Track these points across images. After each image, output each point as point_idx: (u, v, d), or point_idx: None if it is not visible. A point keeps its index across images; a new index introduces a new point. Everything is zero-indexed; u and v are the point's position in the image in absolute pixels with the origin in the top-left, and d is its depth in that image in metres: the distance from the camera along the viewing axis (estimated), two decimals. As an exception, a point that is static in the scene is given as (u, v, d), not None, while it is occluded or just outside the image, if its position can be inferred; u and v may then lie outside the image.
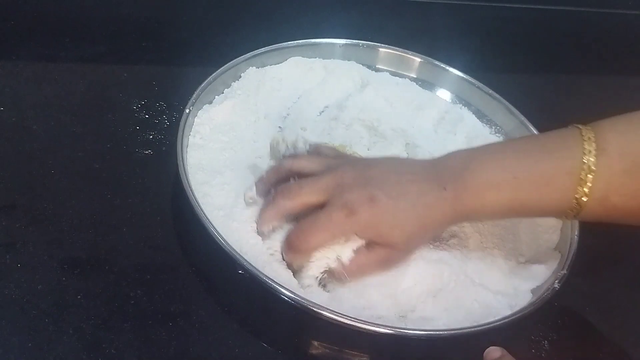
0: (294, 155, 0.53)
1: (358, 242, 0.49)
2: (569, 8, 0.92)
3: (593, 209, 0.46)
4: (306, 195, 0.49)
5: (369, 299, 0.49)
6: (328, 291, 0.50)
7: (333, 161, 0.52)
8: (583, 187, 0.45)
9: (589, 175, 0.45)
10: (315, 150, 0.54)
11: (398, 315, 0.50)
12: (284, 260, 0.50)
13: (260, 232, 0.51)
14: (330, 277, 0.50)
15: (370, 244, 0.49)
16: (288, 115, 0.66)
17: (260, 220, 0.51)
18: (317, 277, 0.49)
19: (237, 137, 0.61)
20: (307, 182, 0.50)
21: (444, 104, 0.71)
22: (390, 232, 0.48)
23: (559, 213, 0.48)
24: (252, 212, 0.53)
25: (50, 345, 0.46)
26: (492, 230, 0.58)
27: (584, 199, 0.46)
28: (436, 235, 0.52)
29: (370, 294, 0.49)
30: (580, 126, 0.48)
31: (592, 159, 0.45)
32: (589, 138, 0.46)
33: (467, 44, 0.82)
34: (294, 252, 0.49)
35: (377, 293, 0.50)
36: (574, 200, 0.46)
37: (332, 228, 0.48)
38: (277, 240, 0.51)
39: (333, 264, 0.49)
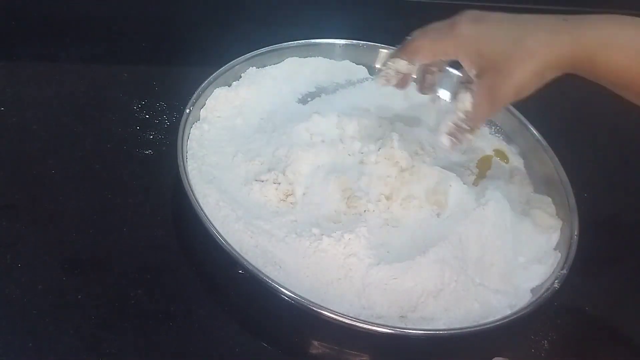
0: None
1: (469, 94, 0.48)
2: (569, 8, 0.92)
3: None
4: (430, 38, 0.50)
5: (369, 299, 0.49)
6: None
7: (455, 16, 0.50)
8: None
9: None
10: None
11: (398, 315, 0.50)
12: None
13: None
14: (458, 132, 0.50)
15: (478, 79, 0.48)
16: (288, 115, 0.66)
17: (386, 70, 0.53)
18: (447, 132, 0.50)
19: (237, 137, 0.61)
20: (429, 31, 0.51)
21: (444, 103, 0.71)
22: (490, 46, 0.47)
23: None
24: (253, 211, 0.54)
25: (50, 345, 0.46)
26: (492, 230, 0.58)
27: None
28: (544, 77, 0.47)
29: (370, 294, 0.50)
30: None
31: None
32: None
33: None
34: (405, 52, 0.51)
35: (377, 293, 0.50)
36: None
37: (436, 36, 0.49)
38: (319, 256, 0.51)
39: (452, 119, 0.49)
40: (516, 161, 0.66)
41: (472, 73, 0.48)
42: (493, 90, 0.47)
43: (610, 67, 0.45)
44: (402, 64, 0.52)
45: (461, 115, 0.49)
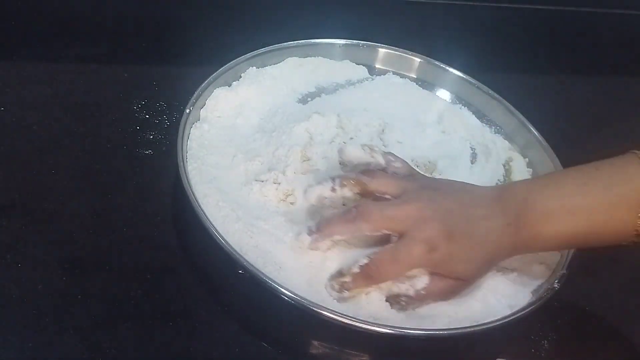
0: (370, 172, 0.52)
1: (425, 273, 0.48)
2: (569, 8, 0.92)
3: None
4: (387, 221, 0.48)
5: (369, 299, 0.49)
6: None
7: (409, 185, 0.51)
8: None
9: None
10: (388, 163, 0.54)
11: (399, 314, 0.50)
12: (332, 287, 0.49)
13: (315, 242, 0.50)
14: (393, 302, 0.49)
15: (437, 275, 0.49)
16: (288, 115, 0.65)
17: (326, 229, 0.50)
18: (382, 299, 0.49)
19: (237, 137, 0.61)
20: (389, 209, 0.49)
21: (444, 104, 0.71)
22: (462, 267, 0.49)
23: (618, 242, 0.49)
24: (253, 211, 0.53)
25: (50, 345, 0.46)
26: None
27: None
28: (496, 265, 0.52)
29: (370, 294, 0.49)
30: (638, 152, 0.48)
31: None
32: None
33: (467, 44, 0.82)
34: (368, 281, 0.48)
35: (377, 293, 0.50)
36: (634, 232, 0.47)
37: (411, 261, 0.48)
38: (320, 256, 0.51)
39: (399, 290, 0.49)
40: (517, 160, 0.66)
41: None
42: (454, 292, 0.50)
43: (549, 243, 0.50)
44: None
45: (410, 290, 0.48)
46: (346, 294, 0.48)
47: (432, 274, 0.48)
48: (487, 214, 0.49)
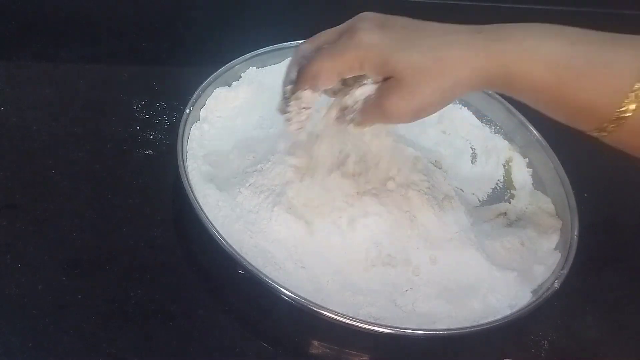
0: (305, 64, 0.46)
1: (371, 87, 0.44)
2: (569, 8, 0.92)
3: (631, 129, 0.40)
4: (328, 57, 0.44)
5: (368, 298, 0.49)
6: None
7: (350, 20, 0.46)
8: (631, 101, 0.39)
9: None
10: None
11: (399, 314, 0.50)
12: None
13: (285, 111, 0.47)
14: (341, 117, 0.46)
15: (382, 85, 0.43)
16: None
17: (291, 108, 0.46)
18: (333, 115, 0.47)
19: (237, 137, 0.61)
20: (326, 48, 0.45)
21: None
22: (395, 56, 0.41)
23: (598, 120, 0.41)
24: (252, 211, 0.54)
25: (50, 345, 0.46)
26: (492, 230, 0.58)
27: (628, 114, 0.39)
28: (454, 94, 0.43)
29: (370, 294, 0.50)
30: None
31: None
32: None
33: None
34: (304, 81, 0.44)
35: (377, 295, 0.50)
36: (625, 100, 0.39)
37: (336, 51, 0.43)
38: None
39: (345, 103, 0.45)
40: (517, 160, 0.66)
41: (378, 79, 0.44)
42: (391, 100, 0.43)
43: (529, 82, 0.41)
44: (306, 96, 0.45)
45: (350, 102, 0.45)
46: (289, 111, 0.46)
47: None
48: (448, 27, 0.43)
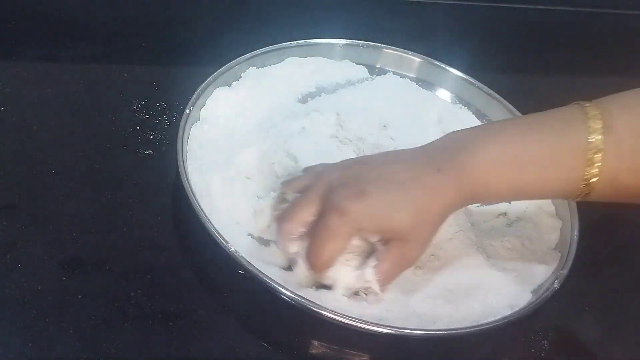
0: (288, 179, 0.52)
1: (366, 258, 0.48)
2: (569, 8, 0.92)
3: (602, 190, 0.44)
4: (301, 211, 0.48)
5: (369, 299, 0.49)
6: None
7: (320, 167, 0.51)
8: (591, 168, 0.43)
9: (596, 155, 0.43)
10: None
11: (399, 314, 0.50)
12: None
13: (287, 256, 0.50)
14: (363, 295, 0.49)
15: (385, 246, 0.47)
16: (287, 114, 0.66)
17: (281, 250, 0.50)
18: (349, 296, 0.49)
19: (237, 137, 0.61)
20: (298, 199, 0.49)
21: (444, 104, 0.71)
22: (390, 222, 0.45)
23: (567, 195, 0.46)
24: (251, 212, 0.54)
25: (50, 345, 0.46)
26: (492, 230, 0.58)
27: (594, 179, 0.44)
28: (441, 222, 0.48)
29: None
30: (583, 103, 0.45)
31: (599, 137, 0.43)
32: (594, 115, 0.44)
33: (467, 44, 0.82)
34: (315, 269, 0.48)
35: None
36: (583, 182, 0.44)
37: (333, 234, 0.46)
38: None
39: (359, 284, 0.48)
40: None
41: (376, 243, 0.47)
42: (404, 256, 0.47)
43: (498, 198, 0.50)
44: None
45: (366, 284, 0.48)
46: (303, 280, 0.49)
47: (382, 248, 0.47)
48: (407, 166, 0.47)
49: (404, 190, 0.46)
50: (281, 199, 0.52)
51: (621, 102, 0.45)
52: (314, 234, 0.47)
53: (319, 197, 0.47)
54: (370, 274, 0.47)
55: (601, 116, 0.44)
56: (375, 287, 0.47)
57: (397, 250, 0.46)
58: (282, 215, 0.49)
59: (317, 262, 0.47)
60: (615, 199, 0.46)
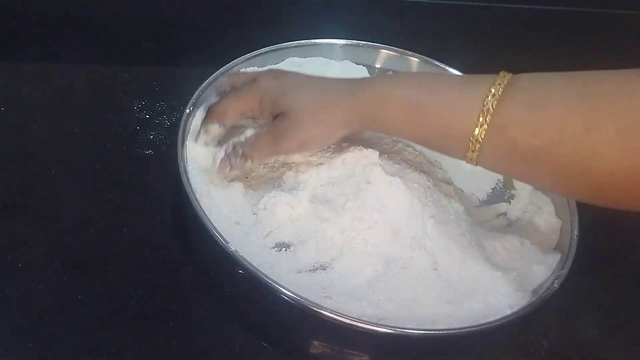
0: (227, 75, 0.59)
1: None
2: (568, 8, 0.92)
3: (493, 143, 0.44)
4: (233, 98, 0.55)
5: (369, 299, 0.49)
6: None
7: (258, 71, 0.58)
8: (485, 116, 0.44)
9: (492, 102, 0.44)
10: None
11: (399, 314, 0.50)
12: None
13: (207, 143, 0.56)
14: (233, 156, 0.53)
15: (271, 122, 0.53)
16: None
17: (202, 137, 0.55)
18: (226, 150, 0.53)
19: (237, 136, 0.61)
20: (232, 91, 0.55)
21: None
22: (284, 97, 0.51)
23: (460, 144, 0.46)
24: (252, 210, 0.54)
25: (50, 345, 0.46)
26: (492, 230, 0.58)
27: (484, 127, 0.44)
28: (333, 135, 0.52)
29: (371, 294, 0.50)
30: (505, 73, 0.46)
31: (499, 90, 0.44)
32: (504, 76, 0.45)
33: (467, 44, 0.82)
34: (209, 117, 0.54)
35: (378, 294, 0.50)
36: (475, 129, 0.44)
37: (237, 93, 0.54)
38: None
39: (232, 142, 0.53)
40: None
41: (268, 118, 0.54)
42: (279, 132, 0.51)
43: (389, 122, 0.49)
44: (215, 128, 0.55)
45: (242, 139, 0.53)
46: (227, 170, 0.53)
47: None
48: (327, 81, 0.54)
49: (312, 88, 0.53)
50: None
51: (534, 73, 0.45)
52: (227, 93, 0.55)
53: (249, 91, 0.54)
54: (244, 137, 0.53)
55: (510, 78, 0.45)
56: (245, 149, 0.52)
57: (279, 125, 0.51)
58: (211, 109, 0.55)
59: (213, 111, 0.54)
60: (508, 166, 0.46)
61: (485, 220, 0.60)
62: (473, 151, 0.45)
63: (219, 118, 0.54)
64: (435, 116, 0.47)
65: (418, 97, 0.48)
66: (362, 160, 0.54)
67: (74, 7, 0.75)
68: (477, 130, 0.44)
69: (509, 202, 0.62)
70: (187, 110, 0.58)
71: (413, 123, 0.48)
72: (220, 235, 0.48)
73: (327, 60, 0.71)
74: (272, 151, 0.53)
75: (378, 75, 0.52)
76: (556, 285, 0.51)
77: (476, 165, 0.47)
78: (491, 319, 0.48)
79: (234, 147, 0.53)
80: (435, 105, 0.47)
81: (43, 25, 0.73)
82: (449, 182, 0.60)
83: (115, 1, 0.78)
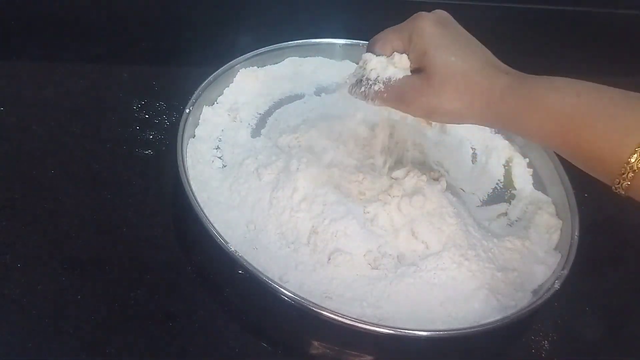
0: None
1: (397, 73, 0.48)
2: (568, 8, 0.92)
3: None
4: (389, 30, 0.49)
5: (369, 300, 0.49)
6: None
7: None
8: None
9: None
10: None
11: (399, 314, 0.50)
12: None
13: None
14: (368, 89, 0.49)
15: (412, 74, 0.47)
16: (287, 115, 0.66)
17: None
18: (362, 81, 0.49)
19: (237, 136, 0.61)
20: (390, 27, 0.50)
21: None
22: (435, 52, 0.45)
23: (610, 168, 0.40)
24: (251, 211, 0.54)
25: (50, 345, 0.46)
26: (492, 230, 0.58)
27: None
28: (466, 114, 0.46)
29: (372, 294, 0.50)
30: None
31: None
32: None
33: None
34: (369, 46, 0.50)
35: (379, 295, 0.50)
36: (633, 156, 0.38)
37: (396, 28, 0.49)
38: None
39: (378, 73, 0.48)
40: (517, 160, 0.66)
41: (411, 67, 0.48)
42: (411, 94, 0.46)
43: (535, 129, 0.44)
44: (368, 59, 0.50)
45: (372, 77, 0.48)
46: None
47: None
48: (488, 53, 0.47)
49: (469, 59, 0.45)
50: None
51: None
52: None
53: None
54: (382, 71, 0.48)
55: None
56: (378, 87, 0.48)
57: (419, 84, 0.46)
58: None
59: (370, 41, 0.50)
60: None
61: (486, 220, 0.60)
62: (624, 180, 0.39)
63: (371, 46, 0.49)
64: (587, 133, 0.41)
65: (572, 108, 0.42)
66: None
67: (73, 7, 0.75)
68: (633, 158, 0.39)
69: (510, 203, 0.62)
70: (187, 110, 0.58)
71: (560, 135, 0.42)
72: (220, 235, 0.48)
73: (327, 60, 0.71)
74: (397, 106, 0.48)
75: (531, 76, 0.44)
76: (557, 285, 0.51)
77: (624, 195, 0.41)
78: (491, 319, 0.48)
79: (368, 80, 0.48)
80: (590, 120, 0.41)
81: (43, 25, 0.73)
82: (449, 182, 0.60)
83: (115, 1, 0.78)
